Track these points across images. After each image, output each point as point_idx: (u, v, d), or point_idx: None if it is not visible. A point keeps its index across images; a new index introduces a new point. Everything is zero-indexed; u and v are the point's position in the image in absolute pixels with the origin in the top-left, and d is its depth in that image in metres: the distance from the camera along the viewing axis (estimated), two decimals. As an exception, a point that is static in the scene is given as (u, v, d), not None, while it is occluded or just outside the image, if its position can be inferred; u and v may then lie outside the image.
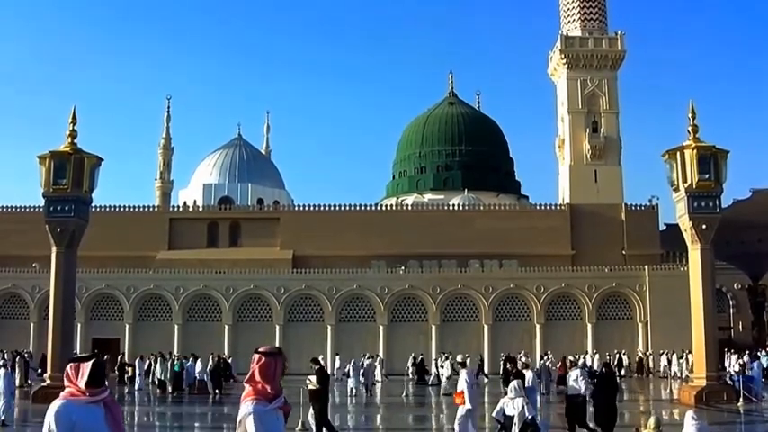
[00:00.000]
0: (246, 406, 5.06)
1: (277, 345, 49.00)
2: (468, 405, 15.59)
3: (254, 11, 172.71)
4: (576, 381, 18.03)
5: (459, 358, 17.90)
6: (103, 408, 4.95)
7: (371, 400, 32.43)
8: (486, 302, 52.16)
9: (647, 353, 49.87)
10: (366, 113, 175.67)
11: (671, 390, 37.04)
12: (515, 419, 15.78)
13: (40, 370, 39.15)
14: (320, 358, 40.00)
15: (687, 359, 44.16)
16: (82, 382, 4.89)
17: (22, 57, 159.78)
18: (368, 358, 38.53)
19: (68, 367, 4.98)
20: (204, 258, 56.89)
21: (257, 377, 5.11)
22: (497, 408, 16.34)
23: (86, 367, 4.93)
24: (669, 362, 46.65)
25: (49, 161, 27.86)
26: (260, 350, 5.23)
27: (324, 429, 16.74)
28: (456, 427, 15.68)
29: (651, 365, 48.98)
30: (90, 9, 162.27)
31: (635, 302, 52.35)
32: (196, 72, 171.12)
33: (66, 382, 4.97)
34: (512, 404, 16.27)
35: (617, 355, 46.36)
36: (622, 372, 44.34)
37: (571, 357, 36.07)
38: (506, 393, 16.32)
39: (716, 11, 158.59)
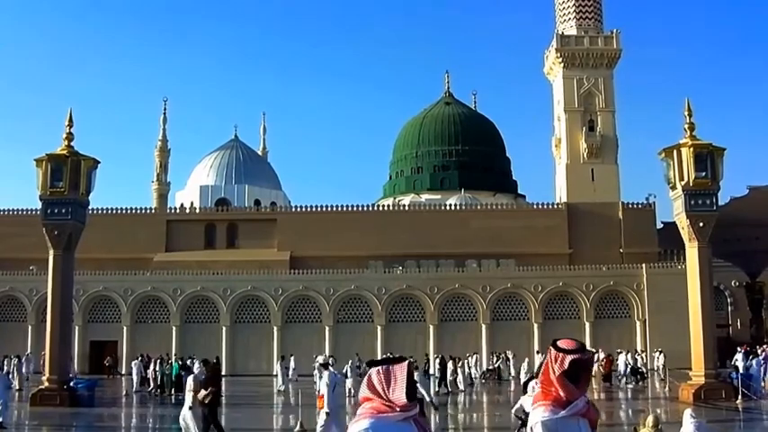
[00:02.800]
0: (534, 413, 4.26)
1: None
2: (326, 408, 14.92)
3: (251, 12, 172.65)
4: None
5: (320, 360, 17.43)
6: (415, 426, 3.96)
7: None
8: (484, 302, 52.16)
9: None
10: (362, 114, 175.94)
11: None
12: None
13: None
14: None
15: (638, 359, 43.53)
16: (400, 395, 3.87)
17: (22, 57, 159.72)
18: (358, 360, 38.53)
19: (374, 373, 3.96)
20: (201, 260, 56.86)
21: (551, 377, 4.19)
22: (517, 405, 16.39)
23: (399, 374, 3.92)
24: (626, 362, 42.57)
25: (46, 164, 27.83)
26: (557, 344, 4.21)
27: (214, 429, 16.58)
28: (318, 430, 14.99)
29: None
30: (88, 10, 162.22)
31: (633, 301, 52.40)
32: (192, 74, 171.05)
33: (368, 393, 3.95)
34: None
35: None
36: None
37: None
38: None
39: (711, 9, 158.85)
